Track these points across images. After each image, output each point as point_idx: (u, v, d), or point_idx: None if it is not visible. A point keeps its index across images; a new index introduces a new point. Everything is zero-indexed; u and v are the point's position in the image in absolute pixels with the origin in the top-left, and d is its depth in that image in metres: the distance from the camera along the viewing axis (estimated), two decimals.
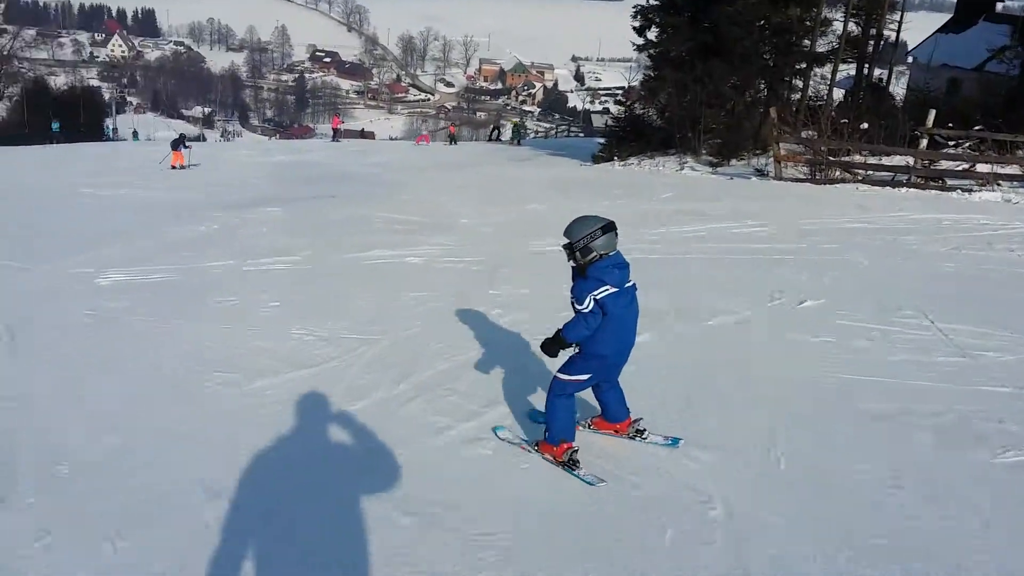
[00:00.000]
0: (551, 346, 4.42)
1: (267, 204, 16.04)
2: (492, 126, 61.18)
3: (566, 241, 4.25)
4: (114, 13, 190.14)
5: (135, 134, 62.08)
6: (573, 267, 4.29)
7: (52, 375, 6.05)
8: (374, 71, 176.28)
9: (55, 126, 43.92)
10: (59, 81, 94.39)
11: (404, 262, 10.15)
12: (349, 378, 5.96)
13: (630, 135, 25.26)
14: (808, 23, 22.31)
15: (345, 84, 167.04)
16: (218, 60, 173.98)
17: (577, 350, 4.41)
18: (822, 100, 22.21)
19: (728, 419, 5.19)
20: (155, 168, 24.78)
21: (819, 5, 21.75)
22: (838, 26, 22.74)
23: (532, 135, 69.48)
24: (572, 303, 4.28)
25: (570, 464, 4.41)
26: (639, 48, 25.42)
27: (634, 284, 4.36)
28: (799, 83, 23.52)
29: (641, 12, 24.76)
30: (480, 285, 8.90)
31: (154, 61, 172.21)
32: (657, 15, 24.50)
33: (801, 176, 18.14)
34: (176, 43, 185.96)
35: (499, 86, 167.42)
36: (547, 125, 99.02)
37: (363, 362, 6.30)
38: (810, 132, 18.42)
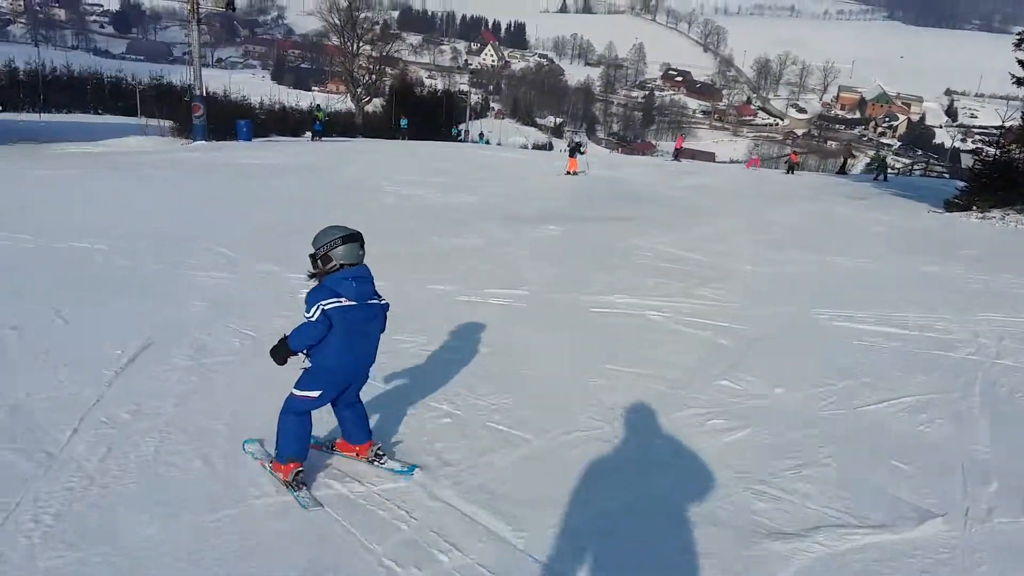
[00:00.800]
0: (277, 352, 4.10)
1: (550, 221, 14.96)
2: (843, 158, 55.94)
3: (311, 251, 4.08)
4: (490, 25, 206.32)
5: (481, 136, 65.66)
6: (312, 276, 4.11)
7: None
8: (724, 92, 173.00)
9: (403, 123, 47.34)
10: (436, 84, 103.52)
11: (642, 316, 8.24)
12: (445, 529, 3.96)
13: (997, 182, 20.71)
14: None
15: (693, 103, 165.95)
16: (575, 73, 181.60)
17: (309, 364, 4.10)
18: None
19: None
20: (467, 171, 24.96)
21: None
22: None
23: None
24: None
25: (294, 485, 4.11)
26: (1020, 81, 20.72)
27: (385, 304, 4.27)
28: None
29: None
30: (715, 367, 6.68)
31: (518, 71, 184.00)
32: None
33: None
34: (540, 55, 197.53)
35: (856, 115, 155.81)
36: (905, 160, 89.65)
37: (481, 486, 4.41)
38: None
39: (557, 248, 12.23)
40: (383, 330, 4.31)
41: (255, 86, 75.75)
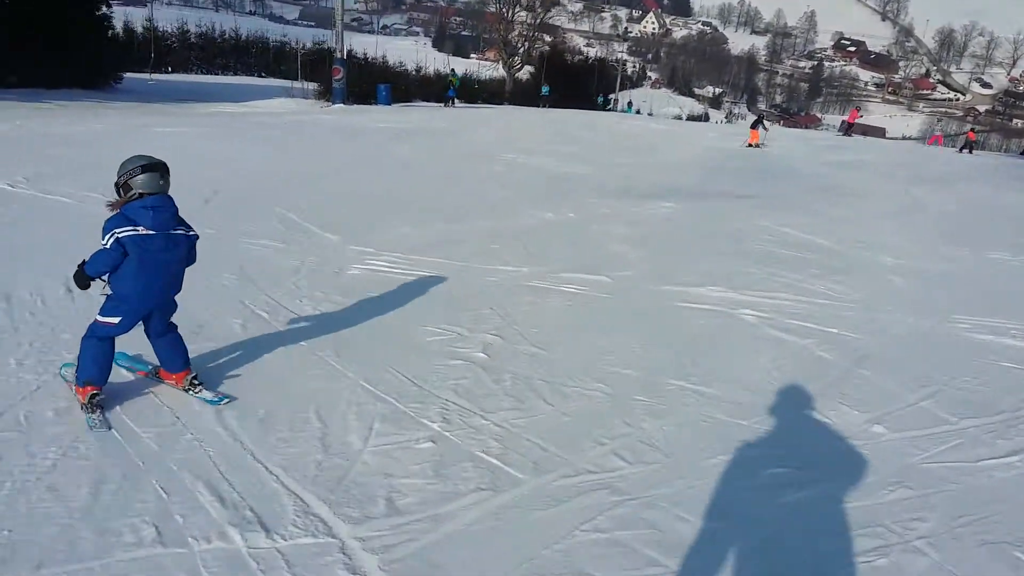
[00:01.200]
0: (78, 277, 4.06)
1: (668, 197, 13.64)
2: None
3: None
4: None
5: (630, 105, 63.84)
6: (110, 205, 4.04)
7: None
8: (900, 64, 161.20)
9: (545, 90, 46.31)
10: (593, 52, 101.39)
11: (733, 315, 6.89)
12: None
13: None
14: None
15: (865, 75, 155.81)
16: (739, 42, 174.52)
17: (110, 291, 4.07)
18: None
19: None
20: (601, 141, 23.75)
21: None
22: None
23: None
24: None
25: (89, 408, 4.12)
26: None
27: (193, 235, 4.23)
28: None
29: None
30: (804, 391, 5.26)
31: (679, 39, 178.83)
32: None
33: None
34: (704, 23, 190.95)
35: None
36: None
37: (419, 552, 3.40)
38: None
39: (663, 228, 10.93)
40: (192, 262, 4.32)
41: (414, 53, 76.51)
